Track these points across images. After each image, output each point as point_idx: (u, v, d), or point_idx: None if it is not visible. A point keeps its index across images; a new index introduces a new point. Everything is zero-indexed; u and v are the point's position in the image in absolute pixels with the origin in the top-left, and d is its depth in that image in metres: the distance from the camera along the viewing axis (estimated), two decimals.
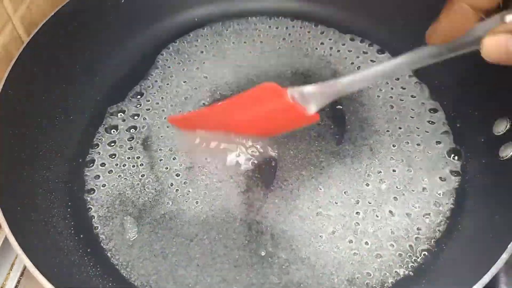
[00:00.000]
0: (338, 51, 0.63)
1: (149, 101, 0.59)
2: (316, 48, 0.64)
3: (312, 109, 0.41)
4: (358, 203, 0.50)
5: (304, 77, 0.61)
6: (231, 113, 0.47)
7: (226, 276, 0.46)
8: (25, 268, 0.50)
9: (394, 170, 0.52)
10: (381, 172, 0.52)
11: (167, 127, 0.56)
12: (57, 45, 0.55)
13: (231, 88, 0.60)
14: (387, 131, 0.55)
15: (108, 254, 0.48)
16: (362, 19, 0.65)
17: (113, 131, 0.56)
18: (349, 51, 0.63)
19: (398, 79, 0.60)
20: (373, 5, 0.64)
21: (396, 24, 0.62)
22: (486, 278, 0.38)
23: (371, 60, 0.62)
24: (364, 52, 0.63)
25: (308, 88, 0.41)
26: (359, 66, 0.61)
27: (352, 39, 0.64)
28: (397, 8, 0.62)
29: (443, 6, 0.36)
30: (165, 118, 0.57)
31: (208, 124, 0.50)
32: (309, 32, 0.65)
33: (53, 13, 0.55)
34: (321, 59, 0.63)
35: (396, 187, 0.51)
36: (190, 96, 0.59)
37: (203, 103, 0.59)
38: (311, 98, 0.41)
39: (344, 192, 0.51)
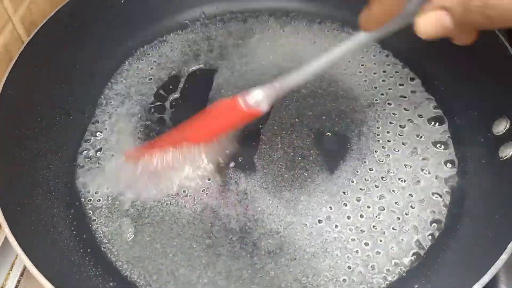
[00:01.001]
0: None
1: (150, 100, 0.59)
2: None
3: (264, 107, 0.45)
4: (359, 201, 0.50)
5: None
6: (187, 132, 0.50)
7: (227, 275, 0.46)
8: (25, 268, 0.50)
9: (394, 171, 0.52)
10: (380, 171, 0.52)
11: (165, 131, 0.57)
12: (57, 45, 0.55)
13: (234, 87, 0.60)
14: (387, 132, 0.55)
15: (108, 254, 0.48)
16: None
17: (113, 132, 0.56)
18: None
19: (392, 75, 0.60)
20: None
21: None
22: (486, 278, 0.38)
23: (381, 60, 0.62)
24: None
25: (259, 93, 0.45)
26: (363, 64, 0.62)
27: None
28: None
29: None
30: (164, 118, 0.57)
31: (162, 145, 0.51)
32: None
33: (53, 13, 0.55)
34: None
35: (396, 187, 0.51)
36: (190, 96, 0.60)
37: (203, 103, 0.59)
38: (262, 100, 0.45)
39: (344, 192, 0.51)
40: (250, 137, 0.55)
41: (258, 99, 0.45)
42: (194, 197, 0.51)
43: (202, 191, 0.51)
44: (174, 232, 0.49)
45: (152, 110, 0.58)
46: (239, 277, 0.46)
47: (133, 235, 0.49)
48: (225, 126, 0.49)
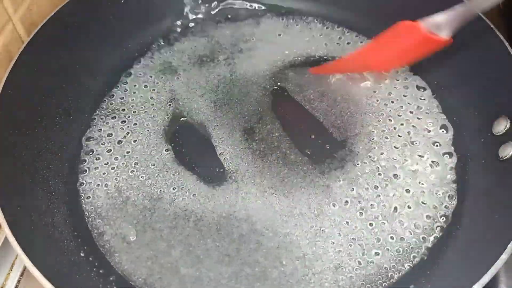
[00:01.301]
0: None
1: (152, 99, 0.59)
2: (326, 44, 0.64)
3: (446, 34, 0.44)
4: (360, 202, 0.50)
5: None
6: (370, 56, 0.52)
7: (231, 274, 0.46)
8: (25, 268, 0.50)
9: (393, 171, 0.52)
10: (379, 171, 0.52)
11: (168, 129, 0.57)
12: (57, 45, 0.55)
13: (234, 87, 0.60)
14: (386, 132, 0.55)
15: (109, 254, 0.48)
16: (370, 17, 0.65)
17: (113, 133, 0.56)
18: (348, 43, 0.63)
19: (391, 75, 0.60)
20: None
21: None
22: (486, 278, 0.38)
23: None
24: None
25: (440, 17, 0.44)
26: None
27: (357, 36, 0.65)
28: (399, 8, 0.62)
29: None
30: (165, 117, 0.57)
31: (346, 68, 0.56)
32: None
33: (53, 13, 0.55)
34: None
35: (395, 187, 0.51)
36: (191, 96, 0.60)
37: (206, 102, 0.59)
38: (444, 25, 0.44)
39: (342, 192, 0.51)
40: (245, 136, 0.56)
41: (439, 23, 0.43)
42: (198, 199, 0.51)
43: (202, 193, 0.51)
44: (177, 232, 0.49)
45: (152, 110, 0.58)
46: (243, 276, 0.46)
47: (134, 235, 0.49)
48: (405, 52, 0.49)
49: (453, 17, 0.44)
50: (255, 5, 0.68)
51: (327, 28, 0.66)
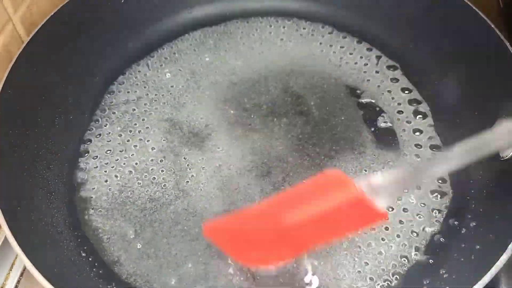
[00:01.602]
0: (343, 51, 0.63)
1: (152, 99, 0.59)
2: (323, 50, 0.64)
3: (381, 203, 0.35)
4: None
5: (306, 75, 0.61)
6: (284, 210, 0.36)
7: (231, 274, 0.46)
8: (25, 268, 0.50)
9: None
10: (379, 171, 0.52)
11: (167, 129, 0.57)
12: (57, 45, 0.55)
13: (234, 86, 0.60)
14: (386, 131, 0.55)
15: (109, 254, 0.48)
16: (365, 18, 0.65)
17: (113, 132, 0.56)
18: (352, 54, 0.63)
19: (391, 74, 0.60)
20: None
21: (396, 24, 0.62)
22: (486, 278, 0.38)
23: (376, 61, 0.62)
24: (368, 49, 0.63)
25: (378, 179, 0.35)
26: (356, 62, 0.62)
27: (359, 42, 0.64)
28: (395, 8, 0.62)
29: None
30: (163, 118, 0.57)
31: (252, 237, 0.39)
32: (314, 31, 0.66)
33: (53, 13, 0.55)
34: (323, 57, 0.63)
35: None
36: (190, 95, 0.60)
37: (207, 102, 0.59)
38: (381, 190, 0.34)
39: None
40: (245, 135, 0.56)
41: (377, 186, 0.33)
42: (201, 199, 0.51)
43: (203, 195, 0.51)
44: (176, 231, 0.49)
45: (152, 109, 0.58)
46: (244, 275, 0.46)
47: (134, 235, 0.49)
48: (329, 221, 0.35)
49: (393, 181, 0.34)
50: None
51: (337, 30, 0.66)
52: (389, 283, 0.46)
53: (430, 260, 0.47)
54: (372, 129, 0.56)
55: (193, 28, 0.66)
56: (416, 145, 0.54)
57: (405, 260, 0.47)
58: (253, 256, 0.40)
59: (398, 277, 0.46)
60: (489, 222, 0.45)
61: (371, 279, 0.46)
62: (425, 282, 0.45)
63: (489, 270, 0.39)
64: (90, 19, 0.59)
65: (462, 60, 0.55)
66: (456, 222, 0.48)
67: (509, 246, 0.39)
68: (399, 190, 0.37)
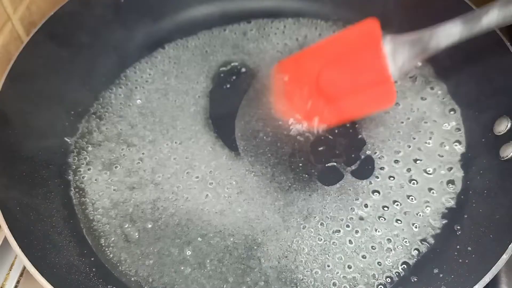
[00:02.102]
0: None
1: (152, 100, 0.59)
2: None
3: (395, 69, 0.40)
4: (357, 200, 0.50)
5: None
6: (324, 53, 0.48)
7: (234, 273, 0.46)
8: (24, 268, 0.50)
9: (393, 170, 0.52)
10: (380, 171, 0.52)
11: (167, 129, 0.57)
12: (57, 45, 0.55)
13: (236, 85, 0.60)
14: (385, 131, 0.55)
15: (108, 254, 0.48)
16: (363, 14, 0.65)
17: (114, 132, 0.56)
18: None
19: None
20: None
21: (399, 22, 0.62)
22: (487, 278, 0.38)
23: None
24: None
25: (402, 41, 0.40)
26: None
27: None
28: (396, 7, 0.62)
29: None
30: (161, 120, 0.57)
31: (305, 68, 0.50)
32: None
33: (52, 13, 0.55)
34: None
35: (396, 186, 0.51)
36: (192, 95, 0.59)
37: (208, 102, 0.59)
38: (400, 49, 0.40)
39: (344, 192, 0.51)
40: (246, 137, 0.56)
41: (398, 45, 0.40)
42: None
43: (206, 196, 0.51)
44: (180, 232, 0.49)
45: (152, 109, 0.58)
46: (246, 275, 0.46)
47: (134, 235, 0.49)
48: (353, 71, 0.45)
49: (413, 41, 0.40)
50: None
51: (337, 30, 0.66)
52: (389, 282, 0.46)
53: (430, 260, 0.47)
54: None
55: (194, 28, 0.66)
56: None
57: (404, 260, 0.47)
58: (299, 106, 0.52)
59: (397, 278, 0.46)
60: (489, 222, 0.45)
61: (373, 276, 0.46)
62: (425, 282, 0.45)
63: (489, 270, 0.39)
64: (90, 19, 0.59)
65: (461, 60, 0.55)
66: (456, 222, 0.48)
67: (509, 246, 0.39)
68: (414, 55, 0.41)
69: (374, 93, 0.46)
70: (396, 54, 0.41)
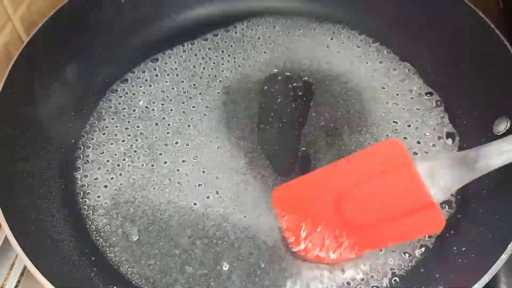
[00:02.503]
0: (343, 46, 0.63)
1: (152, 100, 0.59)
2: (328, 46, 0.64)
3: (438, 194, 0.34)
4: None
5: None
6: (341, 177, 0.40)
7: (236, 272, 0.46)
8: (25, 268, 0.50)
9: None
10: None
11: (167, 129, 0.57)
12: (57, 45, 0.55)
13: (236, 86, 0.60)
14: (386, 130, 0.55)
15: (109, 254, 0.48)
16: (371, 18, 0.65)
17: (114, 132, 0.56)
18: (358, 47, 0.63)
19: (390, 73, 0.60)
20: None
21: (396, 22, 0.63)
22: (486, 278, 0.38)
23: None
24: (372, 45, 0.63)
25: (440, 162, 0.33)
26: (367, 62, 0.62)
27: (361, 39, 0.64)
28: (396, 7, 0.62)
29: None
30: (163, 118, 0.57)
31: (315, 202, 0.42)
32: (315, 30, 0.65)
33: (52, 13, 0.55)
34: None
35: None
36: (193, 96, 0.59)
37: (209, 103, 0.59)
38: (439, 172, 0.33)
39: None
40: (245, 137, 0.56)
41: (436, 169, 0.32)
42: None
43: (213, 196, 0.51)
44: (182, 231, 0.49)
45: (152, 110, 0.58)
46: (248, 275, 0.46)
47: (135, 235, 0.49)
48: (383, 200, 0.37)
49: (456, 167, 0.33)
50: None
51: (338, 30, 0.66)
52: (389, 283, 0.46)
53: (430, 260, 0.47)
54: None
55: (194, 29, 0.66)
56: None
57: (404, 260, 0.47)
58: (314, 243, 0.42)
59: (397, 278, 0.46)
60: (488, 222, 0.45)
61: (371, 277, 0.46)
62: (425, 282, 0.45)
63: (488, 270, 0.39)
64: (90, 19, 0.59)
65: (461, 60, 0.55)
66: (456, 222, 0.48)
67: (509, 246, 0.40)
68: (459, 181, 0.34)
69: (415, 218, 0.39)
70: (436, 176, 0.34)
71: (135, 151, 0.55)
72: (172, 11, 0.66)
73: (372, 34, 0.64)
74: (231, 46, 0.64)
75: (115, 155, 0.54)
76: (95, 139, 0.55)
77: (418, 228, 0.40)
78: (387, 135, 0.55)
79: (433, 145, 0.54)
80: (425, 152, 0.53)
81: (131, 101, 0.59)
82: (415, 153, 0.53)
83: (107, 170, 0.53)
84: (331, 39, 0.64)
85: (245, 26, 0.66)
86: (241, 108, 0.58)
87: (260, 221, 0.49)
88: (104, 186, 0.52)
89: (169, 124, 0.57)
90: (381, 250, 0.47)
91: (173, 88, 0.60)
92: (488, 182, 0.49)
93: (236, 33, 0.66)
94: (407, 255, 0.47)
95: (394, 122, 0.56)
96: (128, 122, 0.57)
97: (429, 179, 0.34)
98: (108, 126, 0.57)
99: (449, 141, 0.54)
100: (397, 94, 0.59)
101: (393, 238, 0.42)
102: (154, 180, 0.52)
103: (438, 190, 0.34)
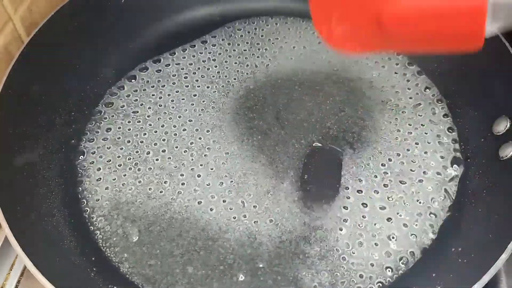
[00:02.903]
0: None
1: (151, 101, 0.59)
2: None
3: (491, 25, 0.30)
4: (358, 199, 0.50)
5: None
6: None
7: (237, 272, 0.46)
8: (25, 268, 0.50)
9: (393, 169, 0.52)
10: (379, 172, 0.52)
11: (166, 130, 0.57)
12: (57, 45, 0.55)
13: (241, 88, 0.60)
14: (386, 130, 0.55)
15: (109, 254, 0.48)
16: None
17: (114, 132, 0.56)
18: None
19: (391, 73, 0.60)
20: None
21: None
22: (486, 278, 0.38)
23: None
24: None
25: None
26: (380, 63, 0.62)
27: None
28: None
29: None
30: (163, 121, 0.57)
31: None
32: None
33: (53, 13, 0.55)
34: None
35: (396, 186, 0.51)
36: (200, 94, 0.59)
37: (214, 102, 0.59)
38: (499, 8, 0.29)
39: (346, 191, 0.51)
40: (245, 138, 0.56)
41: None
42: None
43: (212, 197, 0.52)
44: (183, 231, 0.49)
45: (153, 110, 0.58)
46: (249, 275, 0.46)
47: (135, 235, 0.49)
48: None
49: None
50: None
51: None
52: (387, 281, 0.46)
53: (429, 260, 0.47)
54: None
55: (195, 29, 0.66)
56: None
57: (404, 260, 0.47)
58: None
59: (396, 277, 0.46)
60: (489, 222, 0.45)
61: (370, 277, 0.46)
62: (424, 282, 0.45)
63: (488, 270, 0.39)
64: (90, 19, 0.59)
65: (461, 60, 0.55)
66: (455, 222, 0.48)
67: (509, 246, 0.40)
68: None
69: (454, 16, 0.32)
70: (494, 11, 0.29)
71: (136, 151, 0.55)
72: (173, 11, 0.66)
73: None
74: (235, 45, 0.64)
75: (116, 155, 0.54)
76: (96, 139, 0.56)
77: (454, 32, 0.33)
78: (385, 133, 0.55)
79: (431, 143, 0.54)
80: (424, 152, 0.53)
81: (132, 101, 0.59)
82: (413, 153, 0.53)
83: (108, 170, 0.53)
84: None
85: (248, 26, 0.66)
86: (242, 108, 0.58)
87: (263, 222, 0.49)
88: (104, 186, 0.52)
89: (170, 125, 0.57)
90: (379, 247, 0.47)
91: (176, 90, 0.60)
92: (488, 182, 0.49)
93: (239, 32, 0.66)
94: (406, 254, 0.47)
95: (395, 118, 0.56)
96: (129, 122, 0.57)
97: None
98: (109, 126, 0.57)
99: (449, 139, 0.54)
100: (396, 92, 0.59)
101: (424, 40, 0.36)
102: (155, 181, 0.52)
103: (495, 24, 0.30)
